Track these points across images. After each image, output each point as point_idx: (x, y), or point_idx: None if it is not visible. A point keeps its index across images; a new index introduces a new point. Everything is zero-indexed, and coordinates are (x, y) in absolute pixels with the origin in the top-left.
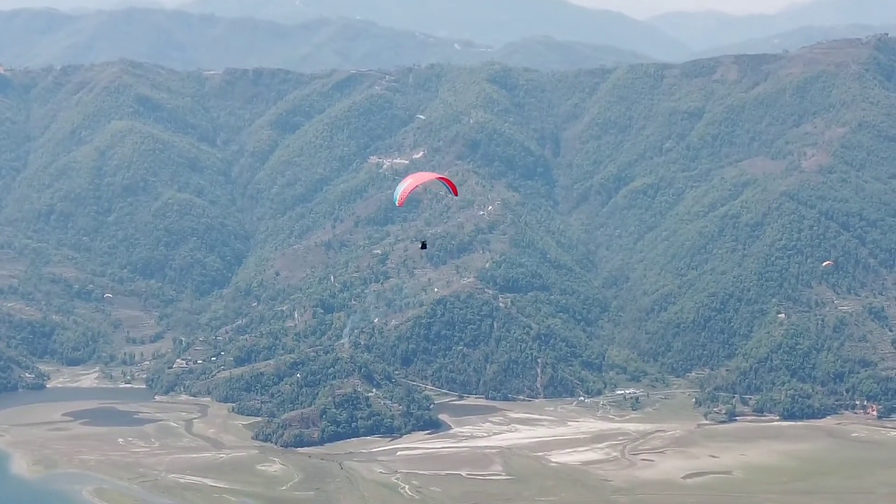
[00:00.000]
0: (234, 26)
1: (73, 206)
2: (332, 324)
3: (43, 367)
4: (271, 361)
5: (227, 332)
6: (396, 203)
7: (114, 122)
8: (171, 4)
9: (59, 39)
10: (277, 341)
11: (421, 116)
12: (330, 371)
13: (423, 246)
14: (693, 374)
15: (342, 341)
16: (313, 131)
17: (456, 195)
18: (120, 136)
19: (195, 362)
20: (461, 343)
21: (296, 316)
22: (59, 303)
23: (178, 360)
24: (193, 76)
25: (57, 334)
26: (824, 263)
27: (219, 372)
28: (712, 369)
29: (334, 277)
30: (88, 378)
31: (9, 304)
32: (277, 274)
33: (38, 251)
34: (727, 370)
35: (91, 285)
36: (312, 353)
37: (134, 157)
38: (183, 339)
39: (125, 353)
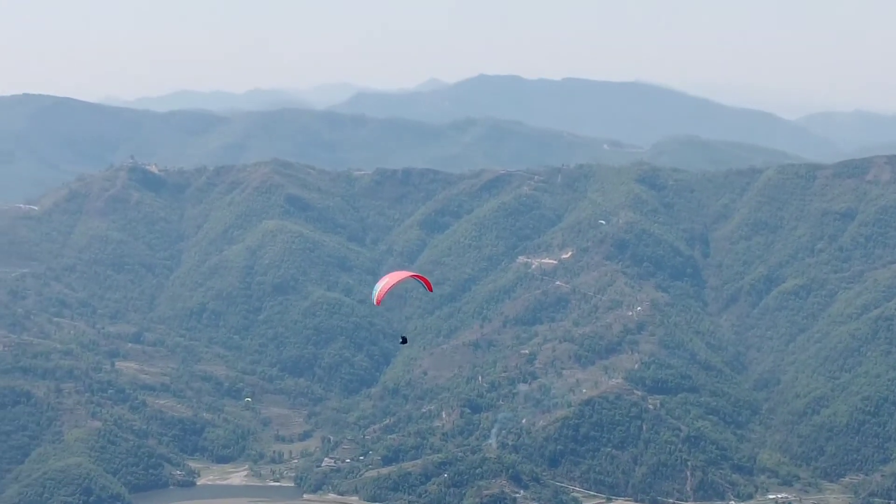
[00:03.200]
0: (383, 127)
1: (225, 304)
2: (480, 424)
3: (193, 465)
4: (419, 461)
5: (375, 431)
6: (374, 303)
7: (265, 221)
8: (321, 106)
9: (211, 140)
10: (425, 441)
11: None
12: (477, 471)
13: (404, 341)
14: (847, 479)
15: (489, 441)
16: (462, 231)
17: (430, 291)
18: (271, 236)
19: (343, 461)
20: (609, 445)
21: (443, 415)
22: (209, 400)
23: (326, 459)
24: (343, 176)
25: (207, 432)
26: None
27: (366, 471)
28: (867, 474)
29: (482, 377)
30: (238, 476)
31: (160, 402)
32: (425, 373)
33: (189, 349)
34: (882, 475)
35: (241, 383)
36: (460, 453)
37: (284, 257)
38: (331, 437)
39: (274, 451)
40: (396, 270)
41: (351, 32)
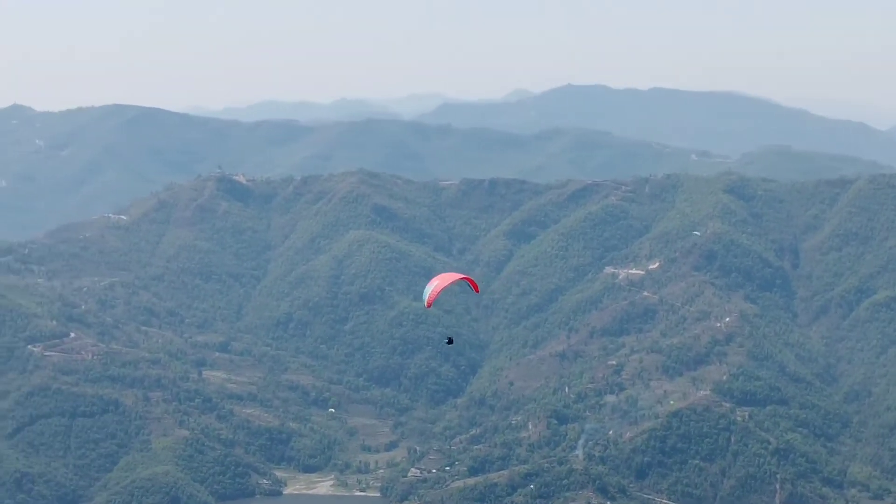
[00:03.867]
0: (470, 137)
1: (311, 314)
2: (566, 435)
3: (280, 474)
4: (505, 472)
5: (461, 442)
6: (426, 305)
7: (351, 231)
8: (408, 116)
9: (298, 150)
10: (511, 452)
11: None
12: (563, 483)
13: (450, 341)
14: None
15: (576, 453)
16: (548, 241)
17: (477, 292)
18: (357, 246)
19: (429, 471)
20: (697, 457)
21: (530, 426)
22: (295, 410)
23: (412, 469)
24: (430, 186)
25: (294, 441)
26: None
27: (452, 482)
28: None
29: (568, 388)
30: (324, 485)
31: (247, 411)
32: (511, 384)
33: (276, 358)
34: None
35: (327, 393)
36: (546, 465)
37: (370, 267)
38: (417, 447)
39: (360, 461)
40: (445, 273)
41: (439, 43)
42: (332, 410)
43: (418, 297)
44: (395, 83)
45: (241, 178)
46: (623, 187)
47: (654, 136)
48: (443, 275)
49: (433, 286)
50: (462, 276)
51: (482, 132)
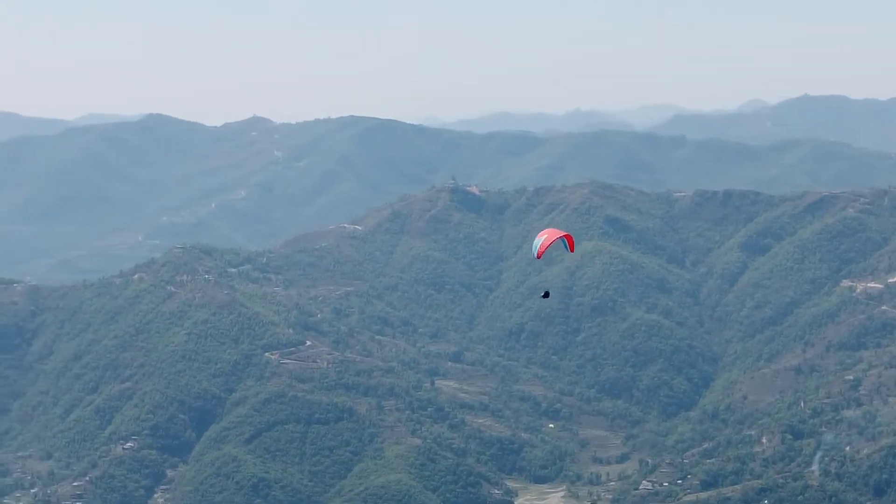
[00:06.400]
0: (703, 148)
1: (543, 325)
2: (802, 450)
3: (511, 484)
4: (738, 486)
5: (694, 455)
6: (536, 256)
7: (584, 242)
8: (641, 127)
9: (530, 161)
10: (745, 466)
11: None
12: (799, 499)
13: (546, 295)
14: None
15: (812, 468)
16: (783, 253)
17: (572, 251)
18: (590, 257)
19: (661, 484)
20: None
21: (764, 441)
22: (527, 420)
23: (643, 482)
24: (663, 197)
25: (525, 452)
26: None
27: (685, 495)
28: None
29: (804, 402)
30: (555, 496)
31: (479, 421)
32: (745, 397)
33: (507, 369)
34: None
35: (558, 404)
36: (781, 480)
37: (603, 278)
38: (649, 460)
39: (591, 473)
40: (554, 229)
41: (673, 55)
42: (552, 426)
43: (651, 308)
44: (628, 95)
45: (475, 189)
46: (861, 199)
47: (894, 148)
48: (549, 230)
49: (542, 239)
50: (565, 233)
51: (716, 143)
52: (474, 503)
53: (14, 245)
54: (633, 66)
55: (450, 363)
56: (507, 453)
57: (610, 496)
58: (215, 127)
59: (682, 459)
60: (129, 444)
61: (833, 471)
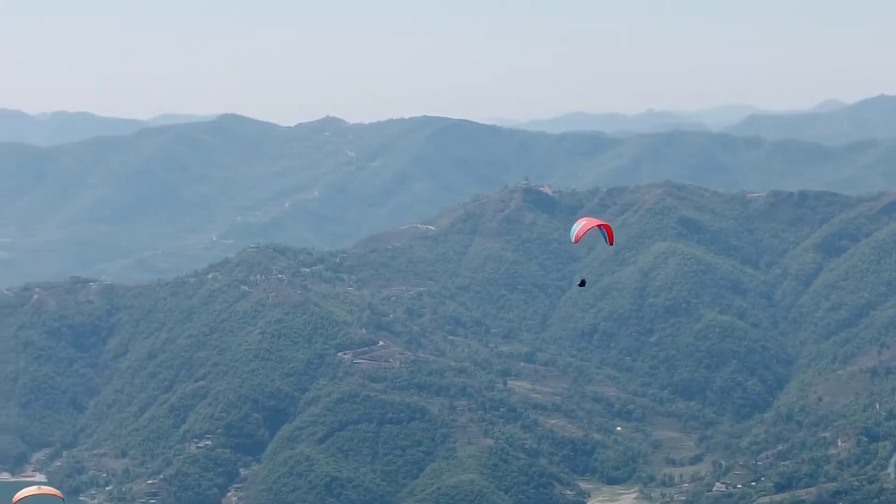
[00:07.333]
0: (778, 148)
1: (616, 325)
2: (877, 453)
3: (583, 485)
4: (813, 489)
5: (768, 457)
6: (573, 241)
7: (657, 243)
8: (715, 128)
9: (604, 161)
10: (819, 469)
11: None
12: (874, 502)
13: (582, 283)
14: None
15: (887, 472)
16: (859, 255)
17: (611, 244)
18: (663, 258)
19: (734, 486)
20: None
21: (839, 443)
22: (600, 421)
23: (717, 484)
24: (737, 198)
25: (597, 452)
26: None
27: (758, 497)
28: None
29: (879, 405)
30: (628, 498)
31: (552, 421)
32: (820, 399)
33: (580, 369)
34: None
35: (631, 405)
36: (856, 483)
37: (676, 279)
38: (722, 462)
39: (664, 474)
40: (592, 218)
41: (749, 55)
42: (620, 429)
43: (725, 310)
44: (703, 95)
45: (548, 190)
46: None
47: None
48: (587, 218)
49: (581, 225)
50: (604, 223)
51: (791, 143)
52: (546, 503)
53: (90, 245)
54: (707, 66)
55: (522, 363)
56: (579, 454)
57: (683, 498)
58: (289, 127)
59: (756, 461)
60: (202, 443)
61: None
